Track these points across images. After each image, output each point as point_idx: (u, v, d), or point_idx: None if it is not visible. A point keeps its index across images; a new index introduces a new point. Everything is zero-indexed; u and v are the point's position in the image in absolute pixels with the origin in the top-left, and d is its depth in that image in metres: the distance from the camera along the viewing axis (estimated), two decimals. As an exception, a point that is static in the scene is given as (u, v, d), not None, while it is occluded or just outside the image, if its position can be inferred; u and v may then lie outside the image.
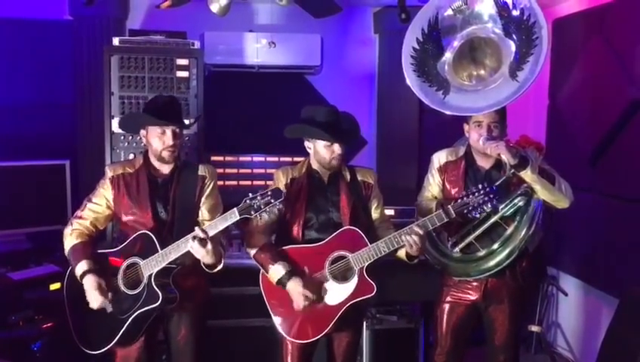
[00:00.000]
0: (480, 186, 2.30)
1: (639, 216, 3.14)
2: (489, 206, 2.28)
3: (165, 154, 2.39)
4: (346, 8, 3.85)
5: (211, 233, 2.25)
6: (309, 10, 3.32)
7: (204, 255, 2.25)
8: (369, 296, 2.37)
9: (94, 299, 2.30)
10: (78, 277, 2.33)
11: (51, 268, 3.08)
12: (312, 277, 2.41)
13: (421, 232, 2.31)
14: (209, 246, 2.23)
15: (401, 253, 2.41)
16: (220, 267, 2.39)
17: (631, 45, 3.18)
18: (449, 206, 2.33)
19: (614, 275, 3.32)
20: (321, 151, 2.45)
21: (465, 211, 2.31)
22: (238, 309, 3.14)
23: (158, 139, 2.38)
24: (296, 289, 2.35)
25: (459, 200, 2.32)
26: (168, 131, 2.37)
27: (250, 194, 2.22)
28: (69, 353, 2.44)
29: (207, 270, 2.38)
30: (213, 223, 2.28)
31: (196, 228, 2.26)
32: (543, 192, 2.43)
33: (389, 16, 3.85)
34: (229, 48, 3.68)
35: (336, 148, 2.43)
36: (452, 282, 2.64)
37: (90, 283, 2.30)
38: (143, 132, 2.44)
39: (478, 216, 2.35)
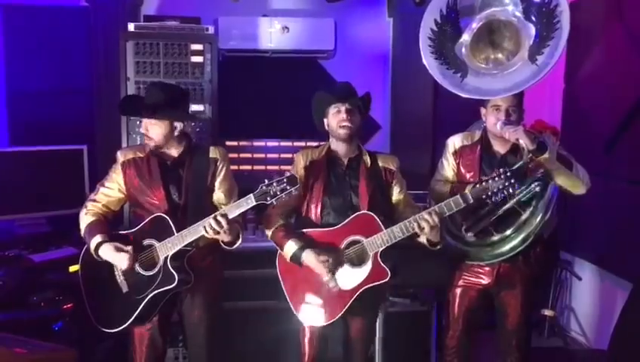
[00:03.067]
0: (500, 171, 2.28)
1: (654, 201, 3.12)
2: (509, 191, 2.26)
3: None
4: (360, -8, 3.84)
5: (230, 216, 2.29)
6: (323, -7, 3.31)
7: (221, 235, 2.30)
8: (382, 281, 2.38)
9: (121, 259, 2.33)
10: (93, 251, 2.37)
11: (70, 250, 3.14)
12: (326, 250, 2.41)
13: (436, 218, 2.29)
14: (225, 226, 2.26)
15: (423, 239, 2.39)
16: (238, 243, 2.42)
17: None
18: (467, 191, 2.31)
19: (628, 260, 3.31)
20: (332, 121, 2.47)
21: (484, 196, 2.29)
22: (253, 291, 3.18)
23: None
24: (312, 258, 2.36)
25: (477, 186, 2.30)
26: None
27: (266, 181, 2.25)
28: (88, 333, 2.50)
29: (226, 247, 2.42)
30: (229, 208, 2.32)
31: (210, 218, 2.28)
32: (560, 178, 2.42)
33: (403, -1, 3.83)
34: (243, 33, 3.68)
35: (344, 113, 2.43)
36: (465, 266, 2.65)
37: (107, 250, 2.34)
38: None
39: (496, 201, 2.33)
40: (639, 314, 2.77)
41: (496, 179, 2.26)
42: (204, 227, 2.27)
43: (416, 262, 2.99)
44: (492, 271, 2.59)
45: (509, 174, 2.25)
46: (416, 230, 2.31)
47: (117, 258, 2.35)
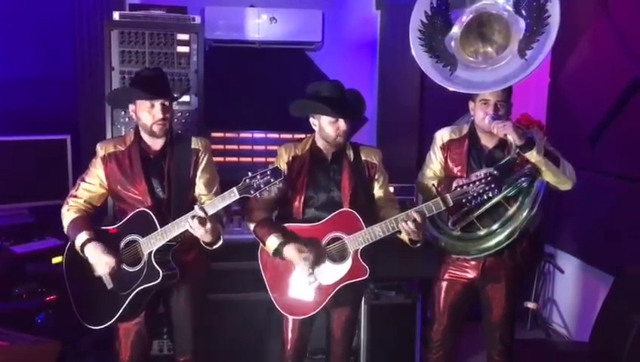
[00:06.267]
0: (482, 175, 2.29)
1: (637, 195, 3.16)
2: (489, 195, 2.27)
3: (155, 128, 2.35)
4: (348, -16, 3.83)
5: (210, 212, 2.26)
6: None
7: (202, 234, 2.26)
8: (361, 278, 2.39)
9: (103, 263, 2.29)
10: (79, 249, 2.33)
11: (53, 241, 3.11)
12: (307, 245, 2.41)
13: (419, 219, 2.29)
14: (208, 225, 2.24)
15: (404, 237, 2.39)
16: (218, 244, 2.39)
17: (633, 23, 3.16)
18: (447, 194, 2.32)
19: (611, 253, 3.36)
20: (326, 127, 2.43)
21: (463, 200, 2.30)
22: (239, 283, 3.17)
23: (148, 113, 2.34)
24: (293, 253, 2.37)
25: (457, 189, 2.31)
26: (157, 104, 2.33)
27: (249, 173, 2.22)
28: (72, 325, 2.47)
29: (206, 247, 2.39)
30: (213, 202, 2.28)
31: (196, 206, 2.25)
32: (547, 174, 2.43)
33: (391, -8, 3.83)
34: (230, 23, 3.65)
35: (341, 124, 2.40)
36: (450, 260, 2.66)
37: (93, 250, 2.30)
38: (132, 107, 2.40)
39: (476, 203, 2.34)
40: (620, 307, 2.82)
41: (477, 183, 2.27)
42: (190, 225, 2.23)
43: (401, 254, 3.01)
44: (478, 264, 2.60)
45: (489, 179, 2.26)
46: (398, 228, 2.32)
47: (100, 262, 2.30)
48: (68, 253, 2.47)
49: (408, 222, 2.29)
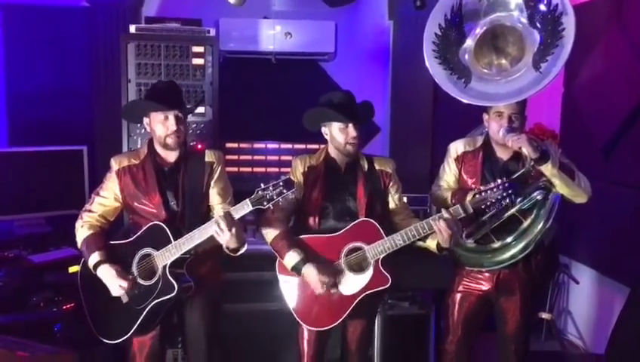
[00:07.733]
0: (499, 181, 2.28)
1: (652, 206, 3.14)
2: (507, 201, 2.27)
3: (169, 140, 2.36)
4: (361, -5, 3.85)
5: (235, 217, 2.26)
6: (325, -2, 3.32)
7: (228, 239, 2.24)
8: (383, 287, 2.39)
9: (115, 285, 2.32)
10: (92, 269, 2.35)
11: (70, 251, 3.14)
12: (327, 266, 2.43)
13: (450, 217, 2.30)
14: (233, 229, 2.22)
15: (431, 244, 2.41)
16: (243, 250, 2.39)
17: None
18: (466, 201, 2.32)
19: (626, 264, 3.33)
20: (337, 135, 2.45)
21: (482, 206, 2.31)
22: (254, 294, 3.19)
23: (162, 125, 2.35)
24: (311, 274, 2.38)
25: (477, 196, 2.31)
26: (171, 116, 2.35)
27: (262, 185, 2.22)
28: (89, 334, 2.49)
29: (230, 254, 2.38)
30: (232, 210, 2.28)
31: (220, 210, 2.27)
32: (562, 187, 2.42)
33: (404, 2, 3.84)
34: (244, 35, 3.69)
35: (351, 130, 2.42)
36: (464, 271, 2.65)
37: (105, 272, 2.33)
38: (146, 120, 2.43)
39: (494, 210, 2.34)
40: (637, 319, 2.80)
41: (495, 190, 2.27)
42: (216, 230, 2.22)
43: (414, 264, 3.01)
44: (492, 277, 2.59)
45: (507, 185, 2.26)
46: (419, 235, 2.33)
47: (112, 285, 2.33)
48: (82, 269, 2.49)
49: (440, 220, 2.30)
